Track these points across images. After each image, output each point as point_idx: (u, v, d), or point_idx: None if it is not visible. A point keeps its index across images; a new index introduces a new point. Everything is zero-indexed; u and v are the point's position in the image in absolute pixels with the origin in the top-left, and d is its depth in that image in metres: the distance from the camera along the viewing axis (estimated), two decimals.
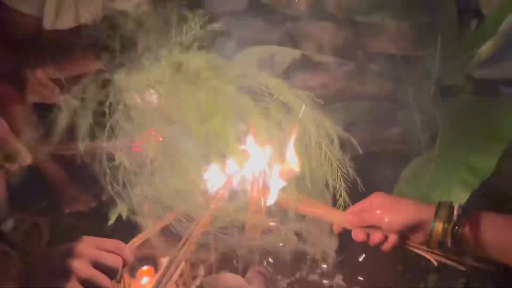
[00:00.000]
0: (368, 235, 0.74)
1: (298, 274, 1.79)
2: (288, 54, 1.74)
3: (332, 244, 1.83)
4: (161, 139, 0.78)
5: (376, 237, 0.73)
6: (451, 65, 1.50)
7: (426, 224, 0.70)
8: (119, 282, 1.76)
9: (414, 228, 0.71)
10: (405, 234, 0.73)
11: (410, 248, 0.73)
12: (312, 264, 1.84)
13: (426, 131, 1.46)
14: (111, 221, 2.03)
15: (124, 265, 0.64)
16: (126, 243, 0.63)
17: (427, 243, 0.71)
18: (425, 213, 0.71)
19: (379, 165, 1.88)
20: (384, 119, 1.86)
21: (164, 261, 1.91)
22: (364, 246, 0.79)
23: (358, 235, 0.74)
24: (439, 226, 0.68)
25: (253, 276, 0.65)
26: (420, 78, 1.62)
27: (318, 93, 2.03)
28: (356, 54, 1.83)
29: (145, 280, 1.78)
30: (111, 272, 0.59)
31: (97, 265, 0.58)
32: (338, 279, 1.76)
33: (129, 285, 1.76)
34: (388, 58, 1.79)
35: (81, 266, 0.56)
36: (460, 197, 1.08)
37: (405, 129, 1.74)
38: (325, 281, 1.77)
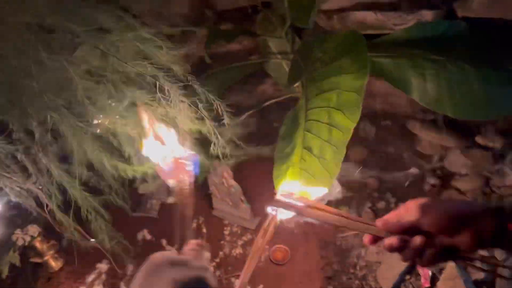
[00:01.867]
0: (405, 242, 0.62)
1: (221, 253, 1.77)
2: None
3: (245, 213, 1.81)
4: None
5: (417, 240, 0.61)
6: (300, 6, 1.46)
7: (476, 219, 0.60)
8: None
9: (461, 223, 0.61)
10: (449, 233, 0.61)
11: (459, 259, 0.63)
12: (232, 238, 1.82)
13: (297, 78, 1.42)
14: (4, 274, 1.78)
15: None
16: None
17: (478, 242, 0.61)
18: (473, 204, 0.62)
19: (264, 120, 1.86)
20: (255, 75, 1.81)
21: None
22: None
23: (392, 241, 0.62)
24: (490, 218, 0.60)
25: (189, 249, 0.59)
26: (269, 26, 1.57)
27: (185, 66, 1.90)
28: (207, 16, 1.71)
29: None
30: None
31: None
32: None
33: None
34: (239, 12, 1.70)
35: None
36: (340, 144, 1.05)
37: (277, 78, 1.70)
38: (249, 250, 1.76)
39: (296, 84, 1.59)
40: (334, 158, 1.05)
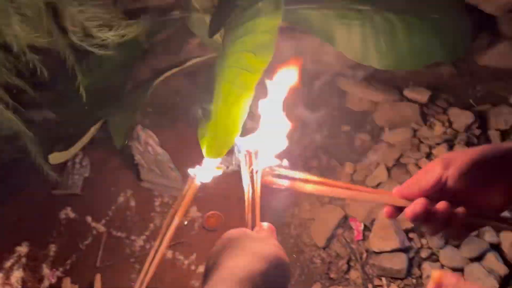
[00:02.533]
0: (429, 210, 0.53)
1: (152, 225, 1.67)
2: None
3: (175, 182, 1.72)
4: None
5: (441, 205, 0.52)
6: None
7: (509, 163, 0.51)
8: None
9: (492, 170, 0.51)
10: (481, 187, 0.52)
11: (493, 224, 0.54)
12: (163, 209, 1.72)
13: (217, 29, 1.33)
14: None
15: None
16: None
17: None
18: (503, 146, 0.53)
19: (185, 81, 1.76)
20: (179, 34, 1.69)
21: None
22: None
23: (416, 207, 0.52)
24: None
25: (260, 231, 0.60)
26: None
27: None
28: None
29: None
30: None
31: None
32: (194, 212, 1.68)
33: None
34: None
35: None
36: (248, 85, 0.98)
37: (202, 36, 1.60)
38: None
39: (220, 38, 1.50)
40: (242, 101, 0.98)
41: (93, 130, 1.40)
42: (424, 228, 0.56)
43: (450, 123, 1.63)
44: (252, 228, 0.60)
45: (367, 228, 1.41)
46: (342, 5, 1.47)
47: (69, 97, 1.50)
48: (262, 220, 1.52)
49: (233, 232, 0.53)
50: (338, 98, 1.81)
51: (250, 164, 0.60)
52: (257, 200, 0.60)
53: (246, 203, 0.60)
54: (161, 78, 1.42)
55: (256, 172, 0.60)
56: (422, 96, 1.71)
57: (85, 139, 1.42)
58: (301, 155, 1.71)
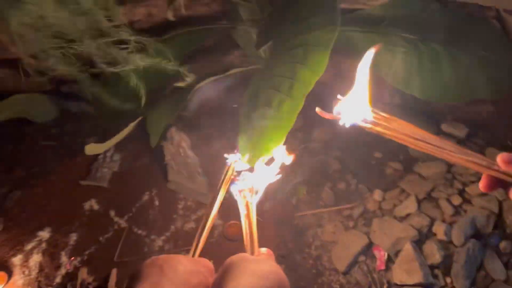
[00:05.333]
0: None
1: (172, 227, 1.68)
2: None
3: (201, 187, 1.72)
4: None
5: None
6: None
7: None
8: None
9: None
10: None
11: None
12: (185, 212, 1.72)
13: (266, 41, 1.34)
14: None
15: None
16: None
17: None
18: None
19: (224, 90, 1.77)
20: (222, 45, 1.72)
21: (16, 260, 1.64)
22: None
23: None
24: None
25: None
26: None
27: (145, 25, 1.79)
28: None
29: None
30: None
31: None
32: (215, 218, 1.68)
33: None
34: None
35: None
36: (298, 96, 0.98)
37: (246, 47, 1.62)
38: None
39: (263, 53, 1.51)
40: (290, 110, 0.98)
41: (131, 126, 1.43)
42: None
43: None
44: (252, 254, 0.62)
45: (390, 259, 1.38)
46: (389, 32, 1.47)
47: (109, 93, 1.54)
48: (281, 238, 1.50)
49: (233, 258, 0.56)
50: None
51: (245, 198, 0.62)
52: (254, 229, 0.63)
53: (244, 233, 0.63)
54: (202, 83, 1.44)
55: (251, 204, 0.63)
56: (460, 132, 1.68)
57: (122, 134, 1.44)
58: (329, 176, 1.69)
